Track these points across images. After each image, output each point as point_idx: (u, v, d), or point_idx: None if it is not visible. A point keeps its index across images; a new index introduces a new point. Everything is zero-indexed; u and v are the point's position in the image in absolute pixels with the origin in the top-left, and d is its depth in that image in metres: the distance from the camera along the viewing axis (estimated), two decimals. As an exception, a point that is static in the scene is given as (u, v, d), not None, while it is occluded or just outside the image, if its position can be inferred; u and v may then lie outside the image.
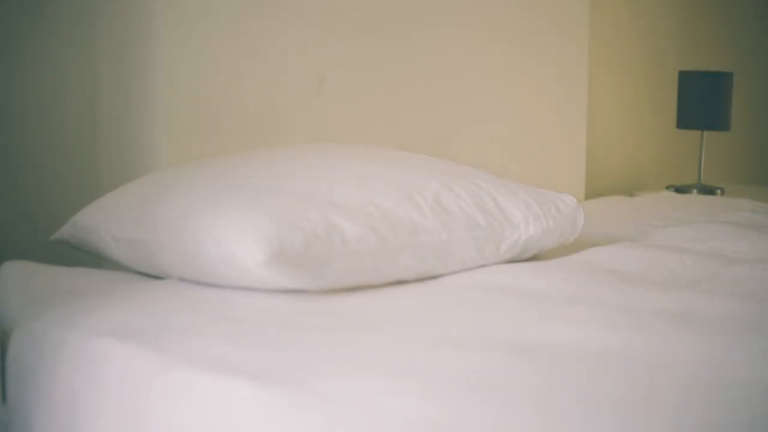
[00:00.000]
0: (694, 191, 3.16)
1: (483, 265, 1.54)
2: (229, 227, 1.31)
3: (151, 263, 1.46)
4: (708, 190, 3.17)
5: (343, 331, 1.20)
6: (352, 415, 0.94)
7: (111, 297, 1.37)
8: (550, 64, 2.76)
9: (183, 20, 1.90)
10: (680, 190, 3.17)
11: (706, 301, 1.34)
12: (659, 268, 1.60)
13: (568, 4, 2.81)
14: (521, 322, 1.23)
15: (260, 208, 1.33)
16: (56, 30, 1.96)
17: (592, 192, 3.08)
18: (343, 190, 1.44)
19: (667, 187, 3.24)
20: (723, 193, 3.17)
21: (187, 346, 1.14)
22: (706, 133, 3.27)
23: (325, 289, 1.35)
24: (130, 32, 1.94)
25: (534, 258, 1.65)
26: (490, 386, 0.99)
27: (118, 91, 1.98)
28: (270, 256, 1.27)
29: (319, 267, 1.32)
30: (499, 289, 1.41)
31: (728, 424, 0.90)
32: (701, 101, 3.06)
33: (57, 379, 1.22)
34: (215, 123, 1.97)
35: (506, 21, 2.62)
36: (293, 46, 2.10)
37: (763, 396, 0.97)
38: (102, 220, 1.52)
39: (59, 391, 1.22)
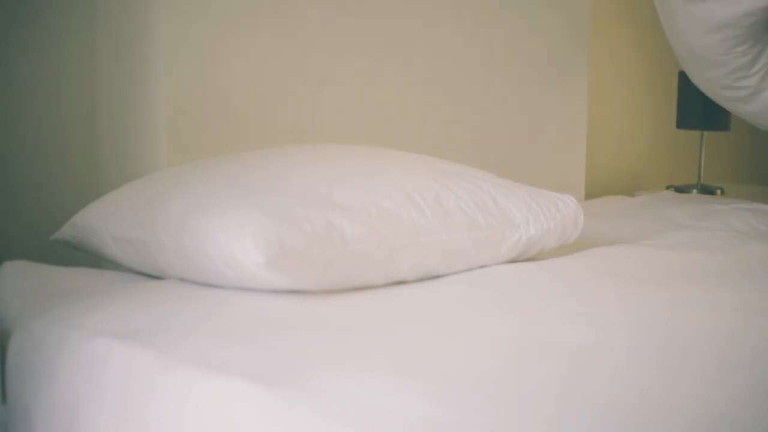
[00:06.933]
0: (694, 191, 3.16)
1: (483, 266, 1.54)
2: (229, 228, 1.31)
3: (151, 263, 1.46)
4: (708, 190, 3.16)
5: (344, 331, 1.19)
6: (352, 415, 0.94)
7: (111, 297, 1.37)
8: (550, 63, 2.76)
9: (183, 20, 1.90)
10: (680, 190, 3.17)
11: (709, 299, 1.34)
12: (660, 267, 1.60)
13: (568, 5, 2.81)
14: (522, 321, 1.23)
15: (260, 208, 1.33)
16: (56, 30, 1.96)
17: (592, 192, 3.09)
18: (344, 190, 1.44)
19: (667, 187, 3.24)
20: (723, 193, 3.17)
21: (187, 346, 1.14)
22: (706, 133, 3.26)
23: (325, 290, 1.35)
24: (130, 32, 1.94)
25: (534, 258, 1.65)
26: (491, 385, 0.99)
27: (118, 91, 1.98)
28: (270, 257, 1.27)
29: (320, 268, 1.32)
30: (499, 290, 1.41)
31: (731, 419, 0.90)
32: (701, 101, 3.05)
33: (57, 379, 1.22)
34: (215, 123, 1.97)
35: (506, 21, 2.62)
36: (293, 46, 2.10)
37: None
38: (102, 220, 1.52)
39: (59, 391, 1.22)
